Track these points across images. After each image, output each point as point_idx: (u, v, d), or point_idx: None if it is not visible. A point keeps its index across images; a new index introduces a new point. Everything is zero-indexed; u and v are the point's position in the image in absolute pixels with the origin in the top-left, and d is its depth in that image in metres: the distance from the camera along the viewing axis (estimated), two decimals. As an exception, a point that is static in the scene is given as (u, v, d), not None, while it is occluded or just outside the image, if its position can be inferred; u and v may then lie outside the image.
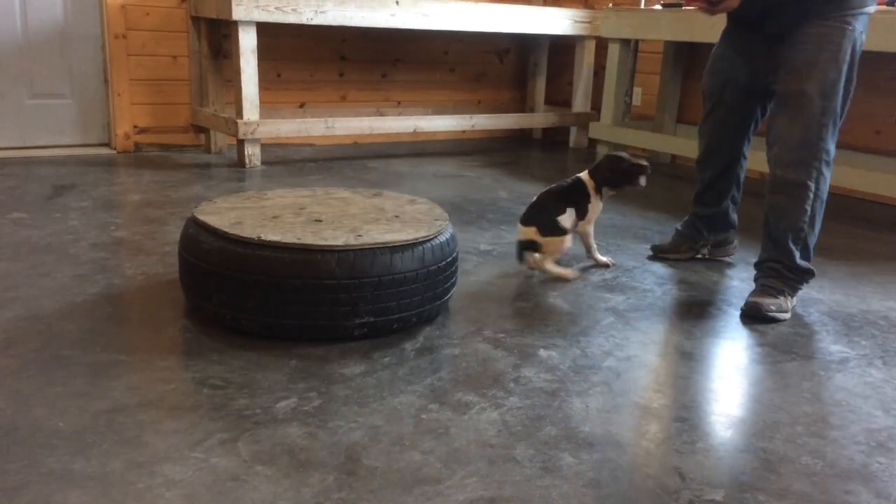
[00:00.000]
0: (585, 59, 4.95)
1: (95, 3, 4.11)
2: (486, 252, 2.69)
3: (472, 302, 2.21)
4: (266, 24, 3.88)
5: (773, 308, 2.16)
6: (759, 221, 2.29)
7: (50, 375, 1.66)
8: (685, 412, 1.64)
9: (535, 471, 1.38)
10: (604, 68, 4.62)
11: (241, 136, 3.87)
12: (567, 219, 2.39)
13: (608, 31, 4.51)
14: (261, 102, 3.99)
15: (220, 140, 4.36)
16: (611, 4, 4.87)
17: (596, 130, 4.66)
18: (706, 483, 1.38)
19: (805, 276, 2.25)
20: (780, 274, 2.22)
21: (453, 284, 2.09)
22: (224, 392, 1.61)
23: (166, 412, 1.53)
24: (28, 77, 4.03)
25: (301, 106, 4.72)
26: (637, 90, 4.87)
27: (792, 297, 2.23)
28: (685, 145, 4.08)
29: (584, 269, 2.55)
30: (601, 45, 4.81)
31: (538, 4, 5.14)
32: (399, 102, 5.06)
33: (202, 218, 1.96)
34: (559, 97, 5.41)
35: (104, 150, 4.22)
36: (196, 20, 4.19)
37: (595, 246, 2.57)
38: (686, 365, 1.88)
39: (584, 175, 2.47)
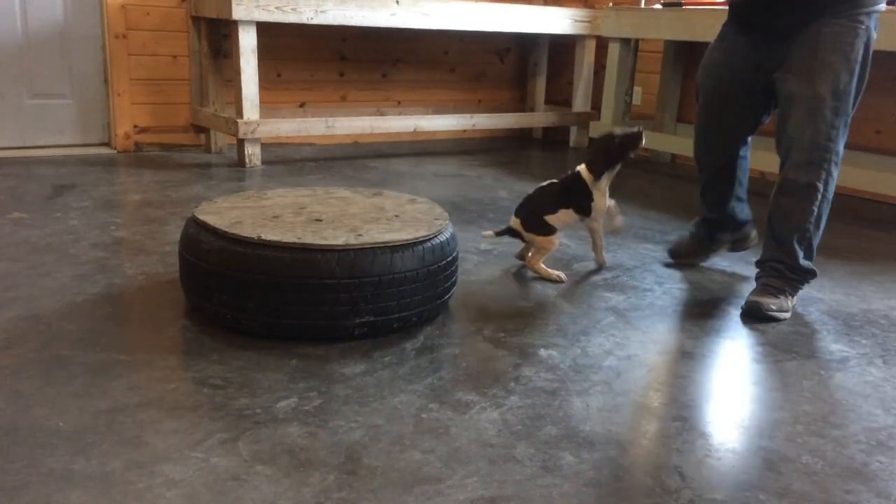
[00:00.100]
0: (585, 59, 4.95)
1: (95, 2, 4.11)
2: (486, 251, 2.69)
3: (472, 301, 2.21)
4: (266, 23, 3.88)
5: (773, 307, 2.16)
6: (761, 219, 2.28)
7: (50, 375, 1.66)
8: (685, 411, 1.64)
9: (536, 470, 1.38)
10: (604, 68, 4.62)
11: (241, 135, 3.87)
12: (559, 218, 2.39)
13: (608, 30, 4.51)
14: (261, 102, 3.99)
15: (220, 140, 4.36)
16: (611, 4, 4.87)
17: (596, 130, 4.65)
18: (706, 482, 1.38)
19: (807, 276, 2.24)
20: (782, 274, 2.22)
21: (454, 284, 2.09)
22: (224, 392, 1.62)
23: (166, 412, 1.53)
24: (28, 77, 4.03)
25: (301, 105, 4.72)
26: (637, 89, 4.87)
27: (793, 296, 2.23)
28: (685, 144, 4.08)
29: (584, 269, 2.55)
30: (601, 44, 4.81)
31: (538, 4, 5.14)
32: (399, 102, 5.06)
33: (202, 218, 1.96)
34: (559, 97, 5.41)
35: (104, 150, 4.22)
36: (196, 20, 4.19)
37: (603, 245, 2.52)
38: (686, 364, 1.88)
39: (581, 168, 2.41)
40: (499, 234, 2.50)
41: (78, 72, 4.14)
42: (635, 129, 2.37)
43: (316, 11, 3.91)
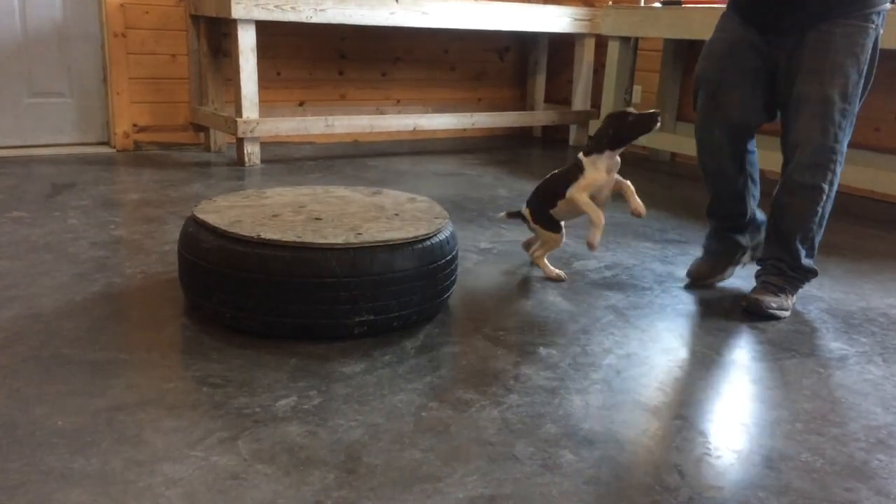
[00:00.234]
0: (585, 57, 4.95)
1: (94, 1, 4.11)
2: (486, 250, 2.69)
3: (472, 300, 2.21)
4: (265, 22, 3.87)
5: (773, 305, 2.16)
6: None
7: (49, 374, 1.66)
8: (685, 410, 1.64)
9: (535, 468, 1.38)
10: (603, 66, 4.62)
11: (240, 134, 3.87)
12: (561, 209, 2.34)
13: (608, 28, 4.50)
14: (260, 101, 3.99)
15: (219, 138, 4.36)
16: (610, 2, 4.86)
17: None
18: (706, 480, 1.38)
19: (808, 275, 2.24)
20: (783, 272, 2.22)
21: (453, 283, 2.09)
22: (224, 390, 1.61)
23: (166, 411, 1.53)
24: (27, 76, 4.03)
25: (301, 104, 4.71)
26: (637, 88, 4.87)
27: (793, 294, 2.23)
28: (685, 143, 4.08)
29: (584, 268, 2.54)
30: (601, 42, 4.81)
31: (538, 2, 5.14)
32: (399, 101, 5.06)
33: (202, 216, 1.96)
34: (559, 95, 5.41)
35: (103, 149, 4.22)
36: (195, 18, 4.19)
37: (600, 225, 2.24)
38: (686, 362, 1.88)
39: (581, 154, 2.29)
40: (510, 215, 2.52)
41: (77, 71, 4.14)
42: (651, 111, 2.24)
43: (315, 10, 3.90)
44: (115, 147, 4.23)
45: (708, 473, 1.40)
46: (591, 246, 2.26)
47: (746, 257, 2.44)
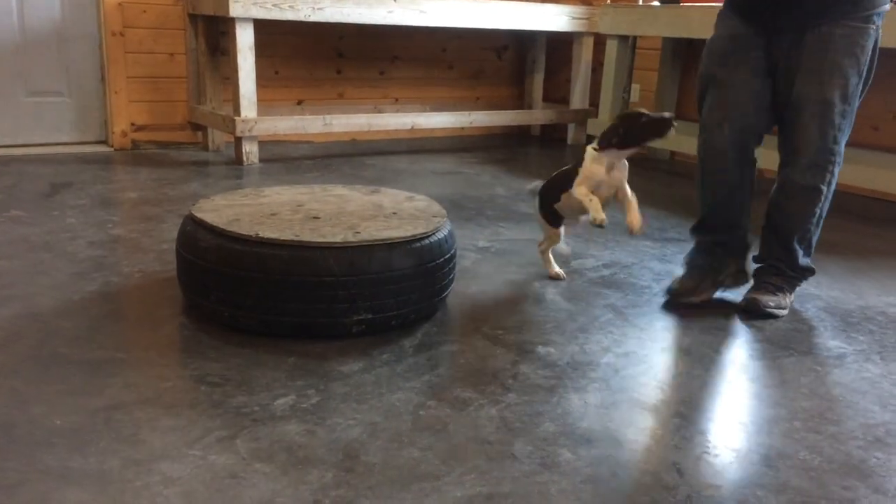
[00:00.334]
0: (583, 56, 4.95)
1: (92, 0, 4.10)
2: (484, 249, 2.69)
3: (470, 299, 2.21)
4: (263, 21, 3.87)
5: (771, 304, 2.16)
6: (758, 215, 2.28)
7: (47, 373, 1.65)
8: (683, 408, 1.64)
9: (534, 467, 1.38)
10: (602, 65, 4.62)
11: (238, 133, 3.87)
12: (564, 204, 2.26)
13: (606, 27, 4.50)
14: (258, 100, 3.98)
15: (217, 137, 4.36)
16: (609, 1, 4.86)
17: (594, 127, 4.66)
18: (704, 479, 1.38)
19: (806, 274, 2.25)
20: (781, 272, 2.22)
21: (451, 281, 2.09)
22: (222, 389, 1.61)
23: (164, 410, 1.52)
24: (25, 75, 4.02)
25: (299, 103, 4.71)
26: (635, 87, 4.87)
27: (791, 293, 2.23)
28: (683, 142, 4.07)
29: (582, 266, 2.54)
30: (599, 41, 4.81)
31: (536, 1, 5.13)
32: (397, 99, 5.06)
33: (200, 215, 1.96)
34: (557, 94, 5.41)
35: (101, 148, 4.21)
36: (193, 17, 4.18)
37: (593, 203, 2.10)
38: (684, 361, 1.88)
39: (590, 148, 2.18)
40: (530, 191, 2.45)
41: (75, 70, 4.13)
42: (666, 115, 2.09)
43: (313, 9, 3.90)
44: (113, 146, 4.22)
45: (706, 472, 1.40)
46: (597, 221, 2.10)
47: (730, 280, 2.29)
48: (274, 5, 3.77)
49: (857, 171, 3.46)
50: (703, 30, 2.19)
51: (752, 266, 2.31)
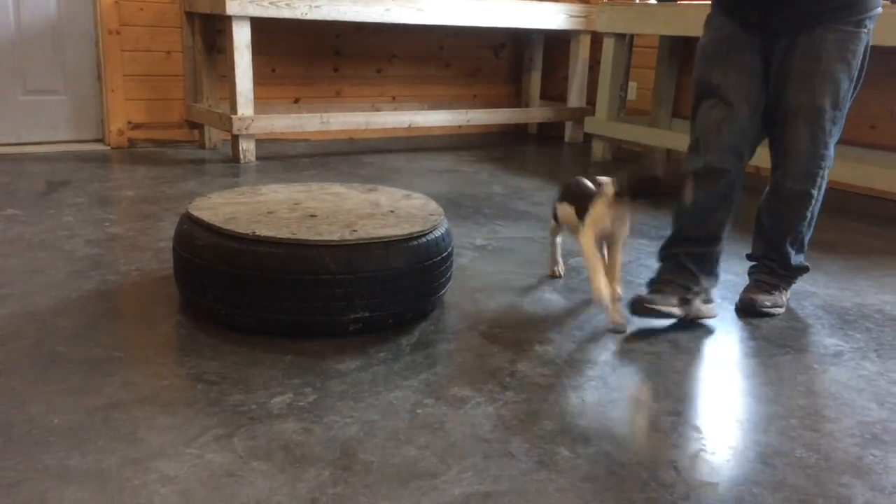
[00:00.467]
0: (580, 54, 4.95)
1: (89, -2, 4.10)
2: (481, 247, 2.69)
3: (467, 297, 2.21)
4: (260, 18, 3.86)
5: (767, 304, 2.17)
6: (750, 212, 2.27)
7: (45, 372, 1.65)
8: (680, 406, 1.64)
9: (531, 465, 1.39)
10: (599, 63, 4.61)
11: (235, 131, 3.86)
12: (564, 211, 2.21)
13: (603, 25, 4.50)
14: (255, 98, 3.98)
15: (214, 136, 4.35)
16: (606, -1, 4.86)
17: (591, 125, 4.66)
18: (701, 476, 1.38)
19: (799, 272, 2.25)
20: (775, 271, 2.22)
21: (448, 279, 2.09)
22: (219, 388, 1.61)
23: (161, 408, 1.52)
24: (21, 73, 4.01)
25: (296, 101, 4.71)
26: (632, 85, 4.87)
27: (786, 290, 2.24)
28: (680, 140, 4.08)
29: (578, 264, 2.54)
30: (596, 39, 4.81)
31: (533, -1, 5.13)
32: (394, 97, 5.05)
33: (196, 214, 1.96)
34: (554, 92, 5.41)
35: (98, 146, 4.21)
36: (190, 15, 4.18)
37: (596, 274, 1.98)
38: (681, 359, 1.88)
39: (608, 183, 2.01)
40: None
41: (71, 68, 4.13)
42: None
43: (310, 7, 3.90)
44: (109, 144, 4.22)
45: (703, 469, 1.40)
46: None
47: (699, 301, 2.08)
48: (270, 3, 3.77)
49: (854, 169, 3.46)
50: (700, 28, 2.16)
51: (714, 308, 2.14)
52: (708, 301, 2.12)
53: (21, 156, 3.87)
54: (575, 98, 5.03)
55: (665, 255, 2.17)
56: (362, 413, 1.54)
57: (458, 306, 2.14)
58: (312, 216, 1.99)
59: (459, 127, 5.12)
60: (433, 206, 2.18)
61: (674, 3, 4.20)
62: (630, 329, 2.02)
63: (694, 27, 3.89)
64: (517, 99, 5.53)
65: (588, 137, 4.89)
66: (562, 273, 2.40)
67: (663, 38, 4.55)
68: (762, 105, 2.07)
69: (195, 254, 1.89)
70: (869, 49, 2.03)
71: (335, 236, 1.84)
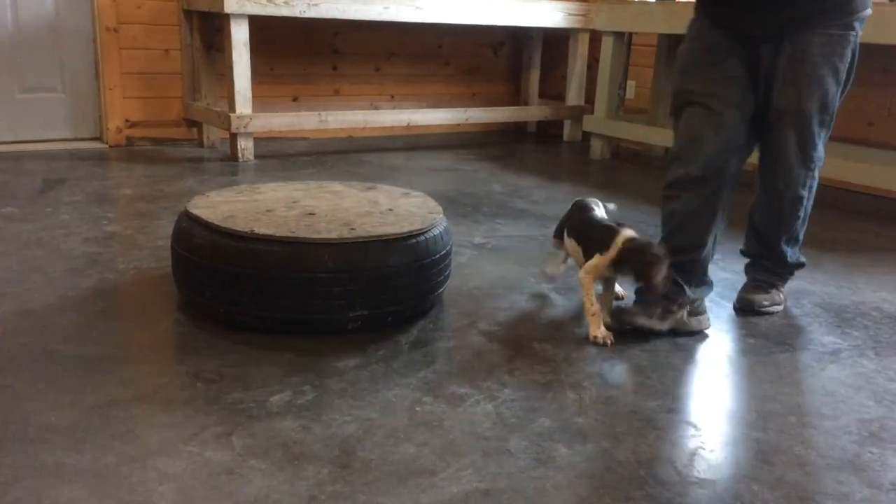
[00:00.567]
0: (579, 52, 4.95)
1: (86, -4, 4.09)
2: (480, 245, 2.69)
3: (466, 295, 2.21)
4: (258, 17, 3.86)
5: (765, 303, 2.17)
6: (743, 209, 2.26)
7: (42, 370, 1.65)
8: (678, 403, 1.64)
9: (530, 462, 1.39)
10: (597, 61, 4.61)
11: (233, 129, 3.86)
12: (567, 242, 2.15)
13: (602, 23, 4.50)
14: (253, 96, 3.97)
15: (212, 134, 4.35)
16: (604, -3, 4.86)
17: (590, 123, 4.66)
18: (699, 474, 1.38)
19: (795, 268, 2.25)
20: (771, 270, 2.23)
21: (447, 278, 2.09)
22: (217, 386, 1.61)
23: (160, 406, 1.52)
24: (19, 71, 4.01)
25: (294, 99, 4.70)
26: (631, 83, 4.87)
27: (783, 287, 2.24)
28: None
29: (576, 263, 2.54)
30: (595, 37, 4.80)
31: (532, -3, 5.13)
32: (393, 96, 5.05)
33: (195, 212, 1.96)
34: (553, 90, 5.41)
35: (96, 145, 4.20)
36: (188, 13, 4.17)
37: (593, 317, 1.94)
38: (679, 356, 1.88)
39: (629, 232, 1.95)
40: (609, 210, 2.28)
41: (69, 66, 4.12)
42: (659, 272, 1.85)
43: (308, 5, 3.89)
44: (107, 142, 4.21)
45: (701, 467, 1.41)
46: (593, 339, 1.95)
47: (684, 314, 2.00)
48: (269, 1, 3.76)
49: (851, 167, 3.46)
50: (699, 26, 2.16)
51: (707, 319, 2.06)
52: (697, 313, 2.03)
53: (18, 154, 3.87)
54: (574, 96, 5.02)
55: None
56: (361, 411, 1.54)
57: (456, 304, 2.14)
58: (311, 214, 1.99)
59: (458, 125, 5.12)
60: (432, 204, 2.18)
61: (672, 1, 4.20)
62: (628, 328, 2.02)
63: (692, 25, 3.88)
64: (516, 97, 5.52)
65: (587, 136, 4.88)
66: (556, 277, 2.35)
67: (662, 36, 4.55)
68: (750, 111, 2.00)
69: (194, 252, 1.88)
70: (858, 50, 2.00)
71: (334, 234, 1.84)
